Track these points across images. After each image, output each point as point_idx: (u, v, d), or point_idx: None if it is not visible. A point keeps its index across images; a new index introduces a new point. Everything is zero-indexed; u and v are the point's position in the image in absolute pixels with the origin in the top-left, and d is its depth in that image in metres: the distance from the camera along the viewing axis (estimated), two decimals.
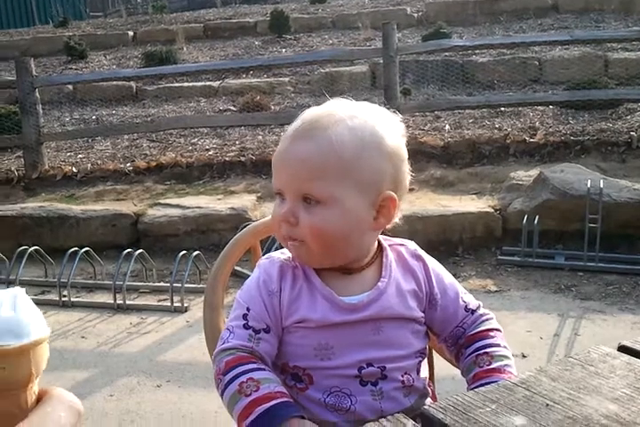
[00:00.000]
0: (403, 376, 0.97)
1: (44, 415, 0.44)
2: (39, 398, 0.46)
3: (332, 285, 0.97)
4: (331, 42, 8.12)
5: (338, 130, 0.93)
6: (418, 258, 1.04)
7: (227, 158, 5.28)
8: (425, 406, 0.70)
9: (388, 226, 1.00)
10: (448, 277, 1.06)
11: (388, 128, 0.96)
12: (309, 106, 1.00)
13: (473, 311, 1.04)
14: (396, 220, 0.99)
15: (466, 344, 1.03)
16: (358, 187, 0.93)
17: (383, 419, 0.68)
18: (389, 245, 1.04)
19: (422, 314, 1.01)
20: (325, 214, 0.92)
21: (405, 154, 0.98)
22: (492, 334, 1.03)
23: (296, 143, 0.94)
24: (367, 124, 0.94)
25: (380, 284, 0.98)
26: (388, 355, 0.96)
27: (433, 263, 1.05)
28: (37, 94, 5.54)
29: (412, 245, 1.07)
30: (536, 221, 3.52)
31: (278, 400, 0.89)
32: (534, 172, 4.17)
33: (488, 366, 0.98)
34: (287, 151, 0.96)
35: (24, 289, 0.46)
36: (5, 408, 0.44)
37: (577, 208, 3.60)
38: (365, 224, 0.95)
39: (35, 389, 0.46)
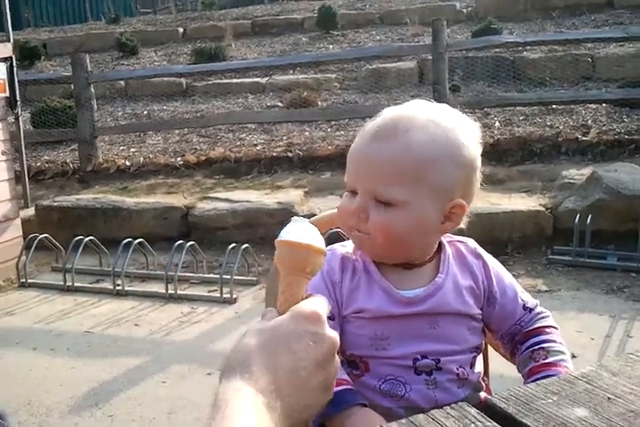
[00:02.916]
0: (457, 369, 0.98)
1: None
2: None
3: (390, 278, 0.99)
4: (378, 38, 8.10)
5: (419, 135, 0.93)
6: (477, 256, 1.05)
7: (274, 154, 5.35)
8: (488, 397, 0.71)
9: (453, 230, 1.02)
10: (508, 277, 1.06)
11: (467, 138, 0.96)
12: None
13: (531, 310, 1.04)
14: (462, 225, 1.01)
15: (522, 340, 1.03)
16: (430, 193, 0.94)
17: (447, 406, 0.70)
18: (448, 242, 1.05)
19: (479, 311, 1.01)
20: (395, 216, 0.94)
21: (479, 163, 0.99)
22: (547, 330, 1.03)
23: (375, 143, 0.95)
24: (448, 133, 0.95)
25: (437, 279, 0.99)
26: (443, 349, 0.97)
27: (493, 262, 1.06)
28: (92, 89, 5.71)
29: (473, 243, 1.08)
30: (588, 221, 3.47)
31: (344, 387, 0.92)
32: (587, 170, 4.09)
33: (544, 360, 0.99)
34: (364, 150, 0.97)
35: (307, 220, 0.77)
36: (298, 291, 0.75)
37: (630, 208, 3.53)
38: (432, 227, 0.97)
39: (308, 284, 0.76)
